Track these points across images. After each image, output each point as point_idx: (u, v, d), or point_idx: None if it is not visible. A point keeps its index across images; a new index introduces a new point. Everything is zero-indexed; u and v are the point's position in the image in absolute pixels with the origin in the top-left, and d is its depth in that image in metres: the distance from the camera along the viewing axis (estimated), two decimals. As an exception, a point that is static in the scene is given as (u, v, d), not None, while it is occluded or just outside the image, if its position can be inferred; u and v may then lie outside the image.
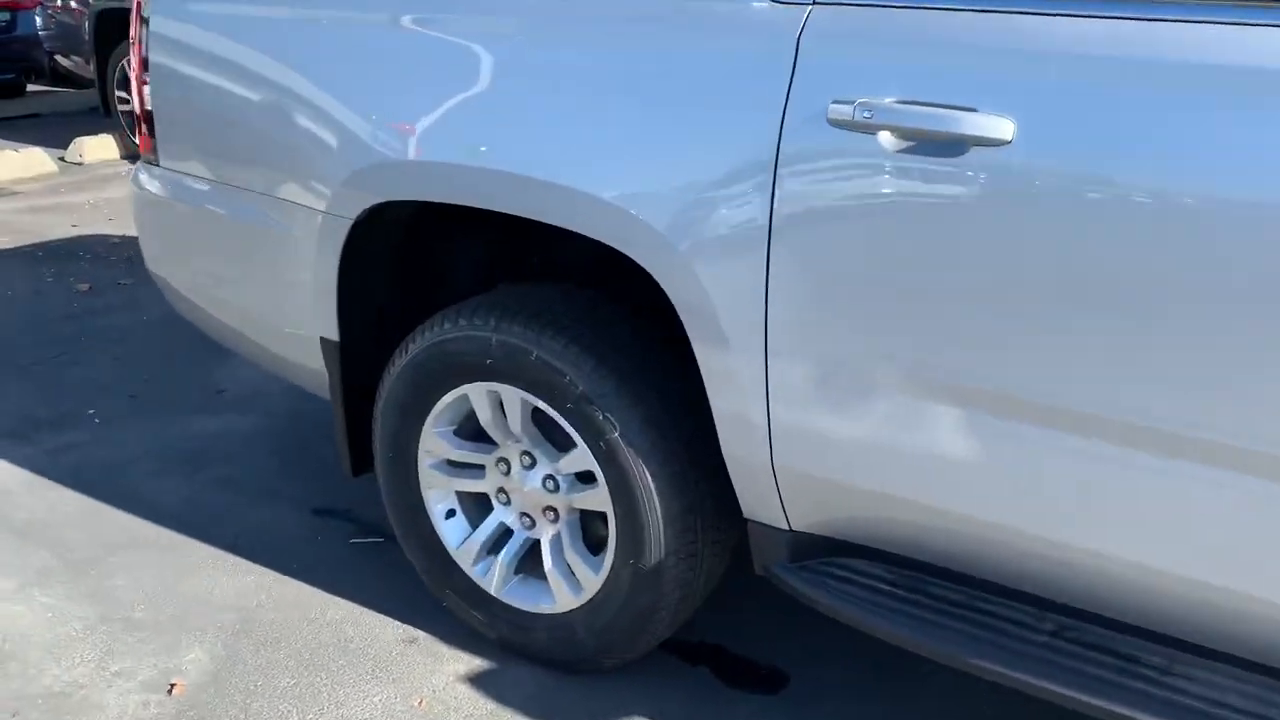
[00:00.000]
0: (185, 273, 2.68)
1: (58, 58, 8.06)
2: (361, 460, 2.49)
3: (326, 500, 3.01)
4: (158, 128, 2.54)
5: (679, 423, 2.02)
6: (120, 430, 3.44)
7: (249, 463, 3.23)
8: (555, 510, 2.21)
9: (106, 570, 2.68)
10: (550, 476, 2.18)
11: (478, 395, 2.18)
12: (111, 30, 7.23)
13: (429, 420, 2.26)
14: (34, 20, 8.28)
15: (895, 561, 1.93)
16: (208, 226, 2.53)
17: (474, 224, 2.33)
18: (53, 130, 8.19)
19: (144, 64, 2.52)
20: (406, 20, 2.11)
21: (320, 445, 3.30)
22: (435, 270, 2.46)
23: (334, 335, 2.34)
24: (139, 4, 2.53)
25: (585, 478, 2.13)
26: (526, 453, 2.21)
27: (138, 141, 2.66)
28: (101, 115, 7.81)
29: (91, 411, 3.58)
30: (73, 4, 7.41)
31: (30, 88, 9.59)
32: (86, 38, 7.38)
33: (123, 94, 7.28)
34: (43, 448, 3.33)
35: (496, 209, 1.99)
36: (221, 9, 2.39)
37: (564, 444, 2.14)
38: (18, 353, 4.05)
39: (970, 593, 1.87)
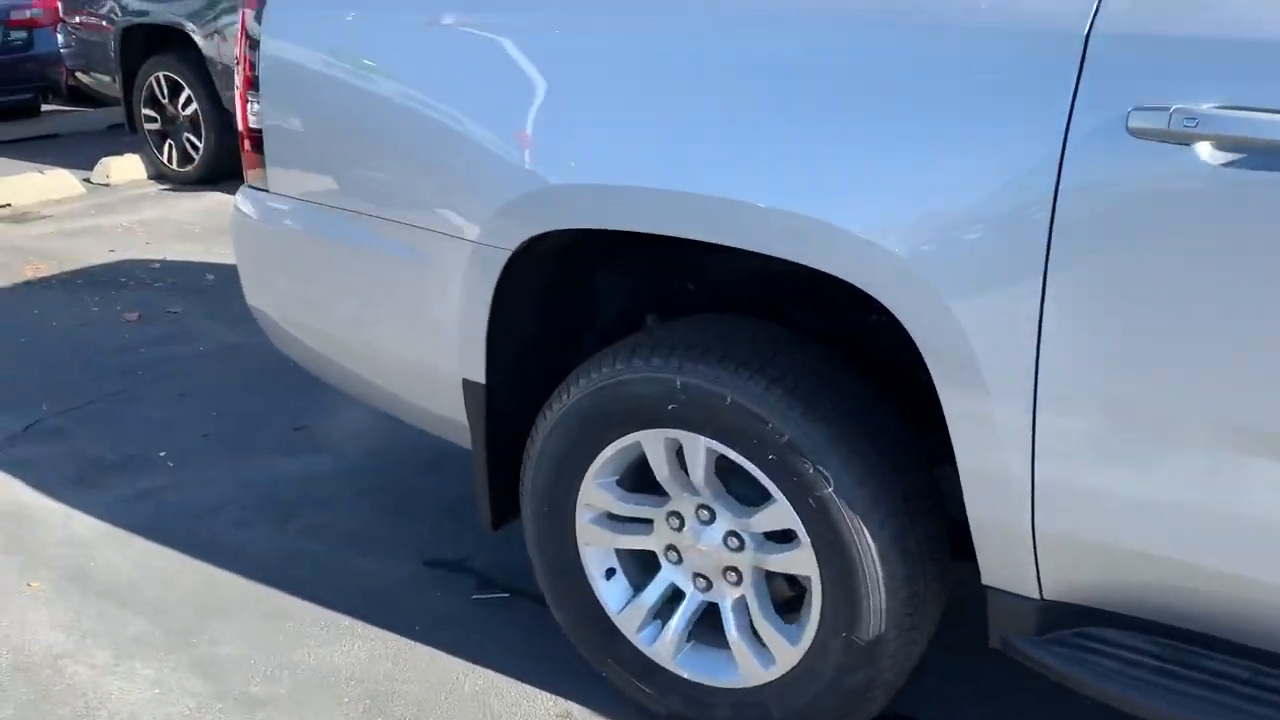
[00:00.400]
0: (293, 307, 2.44)
1: (79, 75, 7.80)
2: (502, 512, 2.25)
3: (435, 550, 2.77)
4: (268, 150, 2.30)
5: (901, 476, 1.79)
6: (197, 473, 3.20)
7: (343, 509, 2.99)
8: (738, 571, 1.97)
9: (209, 636, 2.44)
10: (734, 533, 1.94)
11: (653, 443, 1.94)
12: (137, 46, 6.99)
13: (592, 471, 2.02)
14: (53, 38, 8.03)
15: (1157, 631, 1.69)
16: (326, 256, 2.29)
17: (629, 251, 2.10)
18: (74, 150, 7.94)
19: (250, 82, 2.29)
20: (585, 22, 1.87)
21: (417, 488, 3.07)
22: (580, 302, 2.22)
23: (480, 377, 2.10)
24: (245, 18, 2.30)
25: (780, 536, 1.90)
26: (704, 506, 1.97)
27: (234, 162, 2.43)
28: (124, 134, 7.57)
29: (163, 453, 3.33)
30: (102, 22, 7.15)
31: (45, 106, 9.35)
32: (112, 55, 7.13)
33: (149, 112, 7.03)
34: (116, 494, 3.09)
35: (697, 238, 1.75)
36: (347, 17, 2.15)
37: (750, 497, 1.91)
38: (73, 390, 3.80)
39: (1255, 667, 1.63)
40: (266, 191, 2.36)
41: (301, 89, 2.21)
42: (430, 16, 2.05)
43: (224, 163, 6.49)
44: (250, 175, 2.39)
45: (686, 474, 1.95)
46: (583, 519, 2.08)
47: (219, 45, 6.42)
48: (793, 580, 1.98)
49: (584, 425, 1.98)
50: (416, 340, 2.18)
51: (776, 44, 1.67)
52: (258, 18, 2.27)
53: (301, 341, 2.46)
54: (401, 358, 2.24)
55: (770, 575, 1.97)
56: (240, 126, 2.37)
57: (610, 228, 1.83)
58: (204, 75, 6.59)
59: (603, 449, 1.99)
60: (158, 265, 5.33)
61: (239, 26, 2.34)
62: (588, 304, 2.23)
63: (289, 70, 2.23)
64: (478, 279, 2.00)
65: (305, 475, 3.18)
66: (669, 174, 1.74)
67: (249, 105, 2.32)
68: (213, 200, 6.54)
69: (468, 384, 2.12)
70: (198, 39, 6.60)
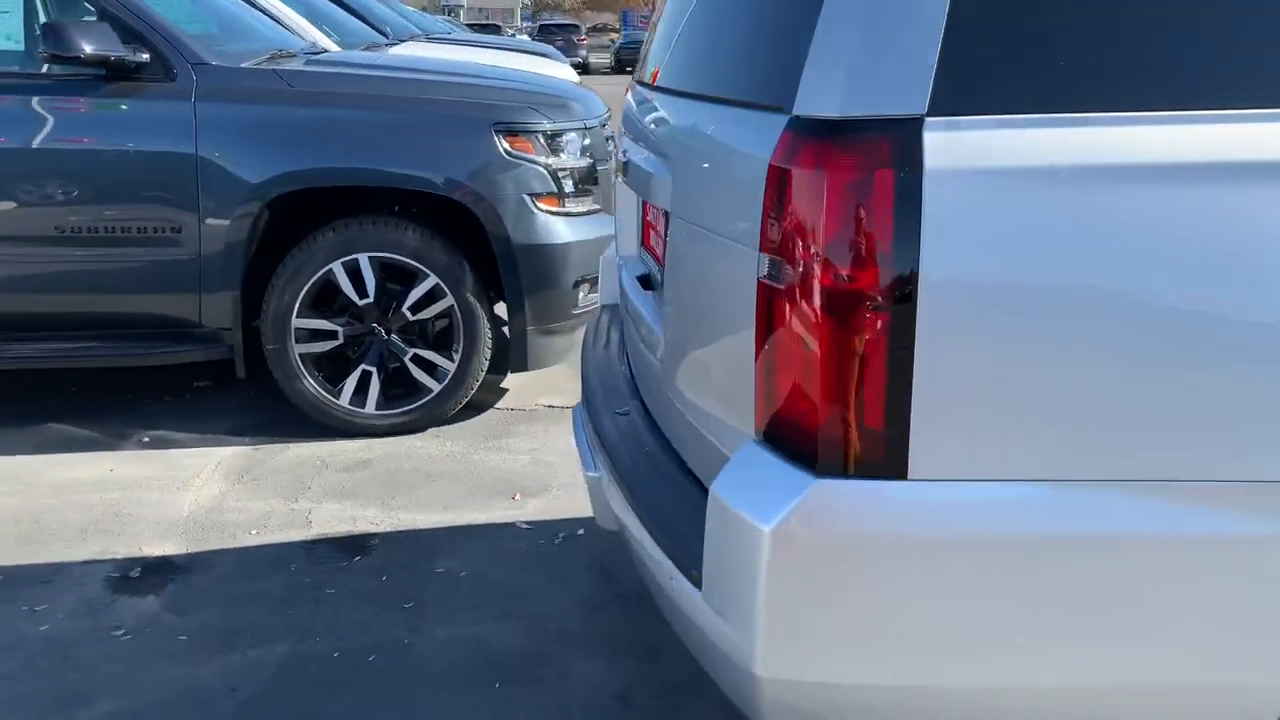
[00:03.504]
0: (939, 667, 1.44)
1: None
2: None
3: None
4: (926, 410, 1.34)
5: None
6: None
7: None
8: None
9: None
10: None
11: None
12: None
13: None
14: None
15: None
16: (1096, 565, 1.39)
17: None
18: None
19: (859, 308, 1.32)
20: None
21: None
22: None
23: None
24: (836, 199, 1.31)
25: None
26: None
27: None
28: None
29: None
30: None
31: None
32: None
33: None
34: None
35: None
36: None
37: None
38: None
39: None
40: (895, 480, 1.36)
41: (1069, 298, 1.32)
42: None
43: None
44: (838, 453, 1.37)
45: None
46: None
47: None
48: None
49: None
50: (1202, 648, 1.43)
51: None
52: (907, 200, 1.30)
53: (910, 712, 1.46)
54: (1148, 678, 1.45)
55: None
56: (815, 358, 1.34)
57: None
58: None
59: None
60: None
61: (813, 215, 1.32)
62: None
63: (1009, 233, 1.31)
64: None
65: None
66: None
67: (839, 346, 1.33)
68: None
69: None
70: None
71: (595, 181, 4.13)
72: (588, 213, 4.09)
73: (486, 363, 4.04)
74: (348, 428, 3.99)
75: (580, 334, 4.30)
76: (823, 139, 1.37)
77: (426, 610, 2.88)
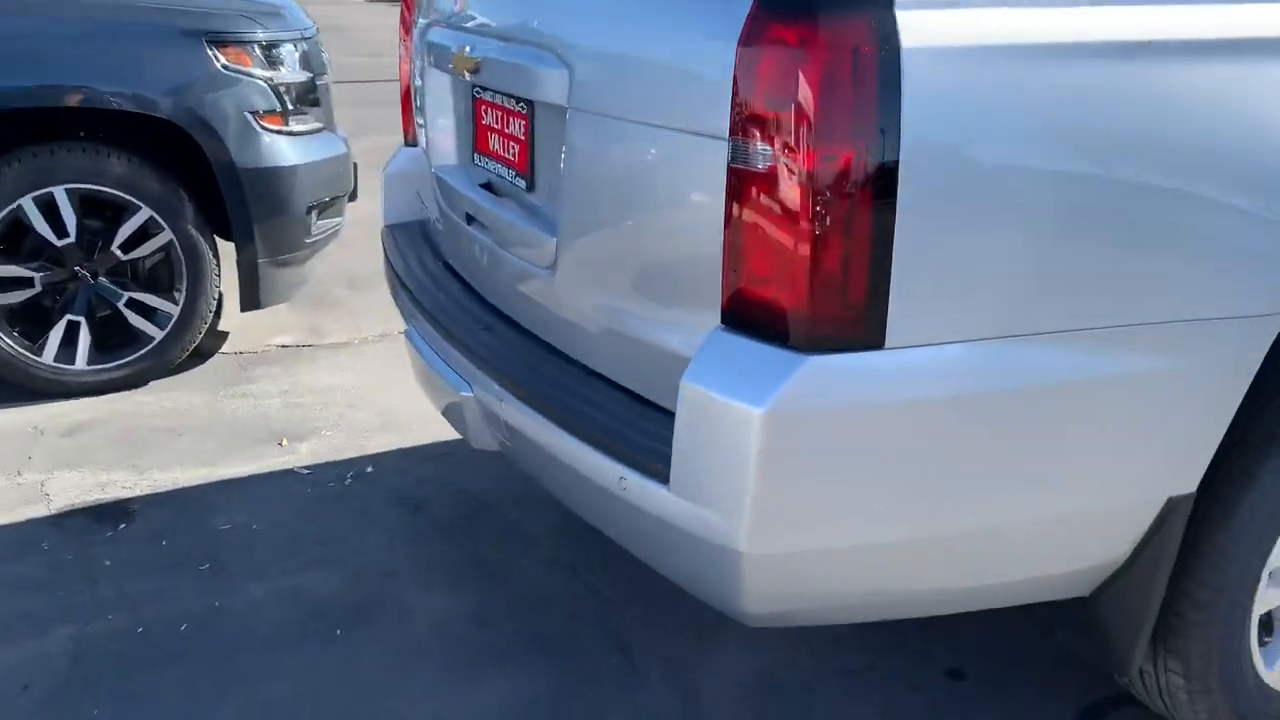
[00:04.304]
0: (884, 523, 1.53)
1: None
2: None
3: None
4: (904, 280, 1.42)
5: None
6: None
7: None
8: None
9: None
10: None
11: None
12: None
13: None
14: None
15: None
16: (1011, 413, 1.52)
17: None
18: None
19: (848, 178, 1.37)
20: None
21: None
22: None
23: (1190, 486, 1.71)
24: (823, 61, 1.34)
25: None
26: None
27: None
28: None
29: None
30: None
31: None
32: None
33: None
34: None
35: None
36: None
37: None
38: None
39: None
40: (875, 350, 1.43)
41: (1026, 168, 1.41)
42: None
43: None
44: (822, 330, 1.41)
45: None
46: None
47: None
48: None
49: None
50: (1104, 475, 1.64)
51: None
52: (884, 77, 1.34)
53: (879, 569, 1.56)
54: (1067, 506, 1.64)
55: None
56: (808, 255, 1.37)
57: None
58: None
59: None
60: None
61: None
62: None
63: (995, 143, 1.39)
64: (1247, 359, 1.63)
65: None
66: None
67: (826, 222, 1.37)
68: None
69: (1174, 502, 1.70)
70: None
71: (317, 100, 3.83)
72: (311, 131, 3.79)
73: (215, 302, 3.68)
74: (56, 388, 3.48)
75: (313, 265, 4.05)
76: (799, 19, 1.37)
77: (227, 570, 2.62)
